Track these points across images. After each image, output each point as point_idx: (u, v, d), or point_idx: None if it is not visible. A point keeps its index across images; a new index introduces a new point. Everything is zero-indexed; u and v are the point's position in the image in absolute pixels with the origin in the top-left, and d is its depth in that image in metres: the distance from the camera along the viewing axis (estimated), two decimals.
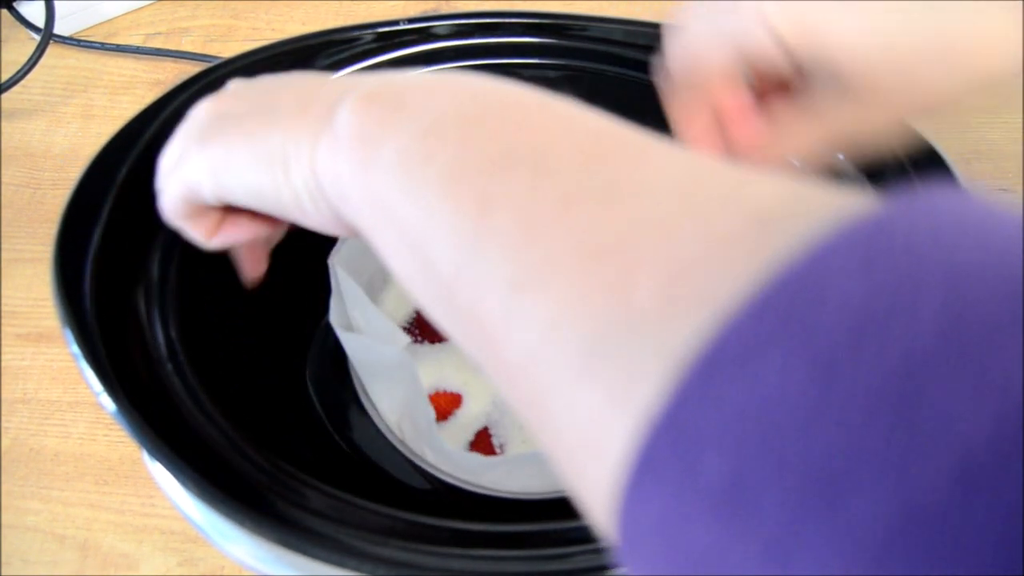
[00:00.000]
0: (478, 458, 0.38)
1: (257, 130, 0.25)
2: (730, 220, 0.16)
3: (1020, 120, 0.59)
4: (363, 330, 0.39)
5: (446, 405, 0.43)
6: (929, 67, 0.27)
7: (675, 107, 0.33)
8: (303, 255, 0.42)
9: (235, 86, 0.30)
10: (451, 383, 0.44)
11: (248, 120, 0.26)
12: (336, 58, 0.45)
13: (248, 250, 0.34)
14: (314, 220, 0.25)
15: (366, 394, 0.41)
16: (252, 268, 0.34)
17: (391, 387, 0.40)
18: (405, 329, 0.47)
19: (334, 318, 0.39)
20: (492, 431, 0.42)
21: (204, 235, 0.29)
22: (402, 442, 0.40)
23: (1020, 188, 0.57)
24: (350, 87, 0.24)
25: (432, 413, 0.37)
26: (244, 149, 0.25)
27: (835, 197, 0.15)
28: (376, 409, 0.41)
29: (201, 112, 0.29)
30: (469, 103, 0.21)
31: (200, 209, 0.29)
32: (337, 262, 0.40)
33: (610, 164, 0.19)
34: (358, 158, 0.22)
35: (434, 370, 0.44)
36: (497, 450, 0.42)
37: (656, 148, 0.20)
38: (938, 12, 0.27)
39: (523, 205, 0.18)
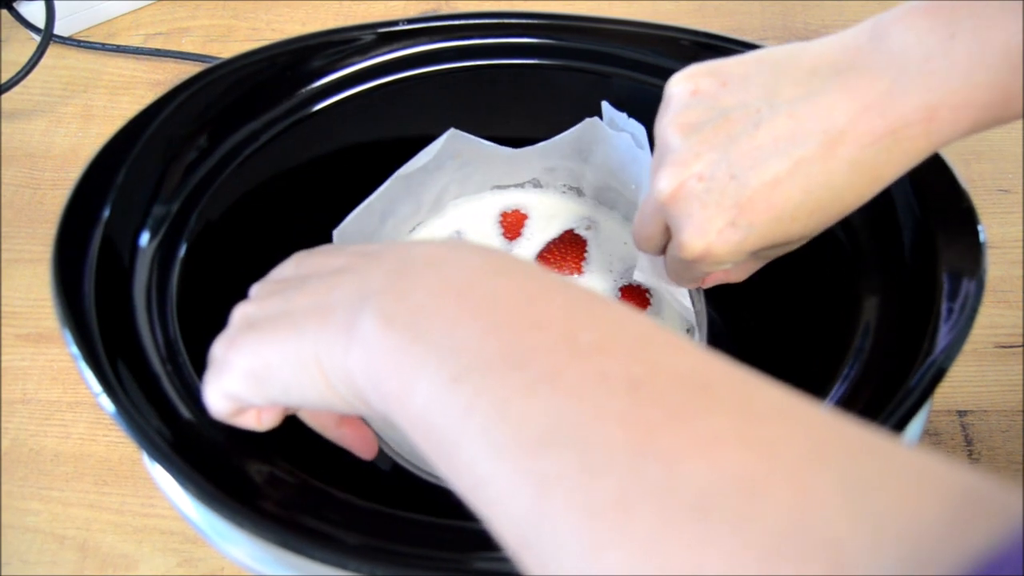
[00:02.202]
0: None
1: (287, 339, 0.26)
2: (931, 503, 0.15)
3: (1020, 121, 0.59)
4: None
5: None
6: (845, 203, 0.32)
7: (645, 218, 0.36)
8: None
9: (256, 290, 0.30)
10: None
11: (274, 329, 0.27)
12: (336, 58, 0.45)
13: (341, 427, 0.34)
14: (361, 411, 0.27)
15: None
16: (359, 445, 0.34)
17: None
18: None
19: None
20: None
21: (256, 423, 0.30)
22: (399, 455, 0.39)
23: (1020, 189, 0.57)
24: (359, 293, 0.24)
25: None
26: (279, 358, 0.26)
27: (1011, 496, 0.15)
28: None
29: (235, 320, 0.30)
30: (494, 339, 0.21)
31: (244, 407, 0.30)
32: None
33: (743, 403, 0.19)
34: (396, 388, 0.22)
35: None
36: None
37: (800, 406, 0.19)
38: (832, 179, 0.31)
39: (581, 500, 0.17)
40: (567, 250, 0.48)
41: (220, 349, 0.29)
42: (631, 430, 0.18)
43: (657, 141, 0.34)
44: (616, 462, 0.17)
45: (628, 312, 0.22)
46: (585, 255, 0.48)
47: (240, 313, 0.29)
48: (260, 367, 0.27)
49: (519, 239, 0.49)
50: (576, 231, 0.49)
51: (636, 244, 0.38)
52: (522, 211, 0.50)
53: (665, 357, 0.20)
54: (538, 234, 0.49)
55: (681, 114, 0.32)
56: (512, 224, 0.49)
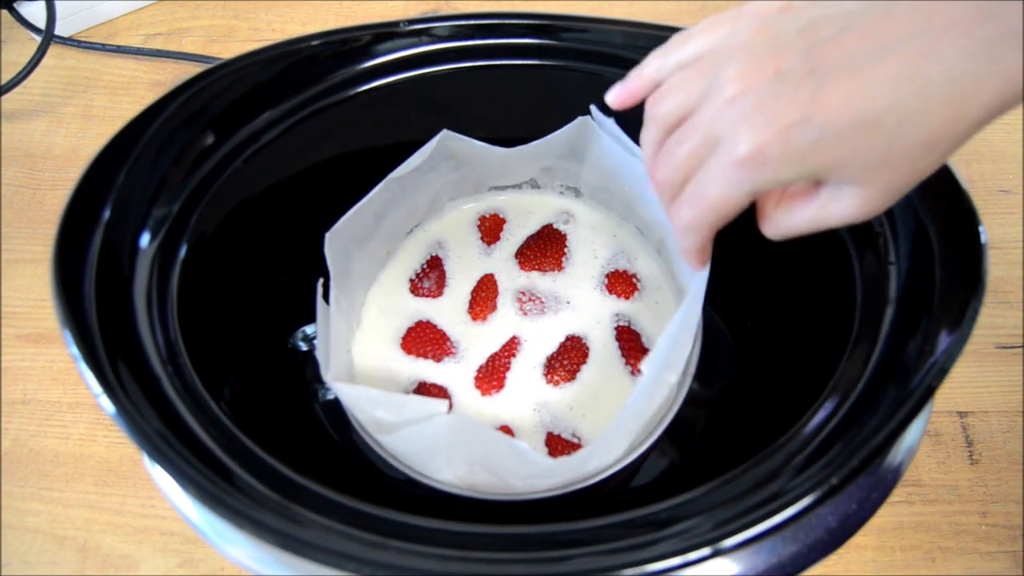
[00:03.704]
0: (579, 454, 0.37)
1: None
2: None
3: (1020, 121, 0.59)
4: (397, 424, 0.37)
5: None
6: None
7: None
8: (303, 256, 0.42)
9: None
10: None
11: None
12: (336, 59, 0.45)
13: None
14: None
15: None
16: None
17: (449, 456, 0.37)
18: (412, 281, 0.47)
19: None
20: (556, 431, 0.42)
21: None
22: (403, 463, 0.39)
23: (1020, 189, 0.57)
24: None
25: (522, 443, 0.35)
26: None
27: None
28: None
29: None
30: None
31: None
32: (334, 287, 0.40)
33: None
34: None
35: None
36: (575, 440, 0.42)
37: None
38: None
39: None
40: (546, 246, 0.48)
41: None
42: None
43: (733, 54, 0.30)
44: None
45: None
46: (565, 250, 0.48)
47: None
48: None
49: (498, 243, 0.49)
50: (555, 226, 0.49)
51: (653, 173, 0.33)
52: (500, 214, 0.50)
53: None
54: (518, 231, 0.49)
55: (766, 26, 0.30)
56: (490, 228, 0.49)
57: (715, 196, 0.30)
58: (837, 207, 0.30)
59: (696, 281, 0.37)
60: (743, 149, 0.28)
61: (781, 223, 0.32)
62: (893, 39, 0.27)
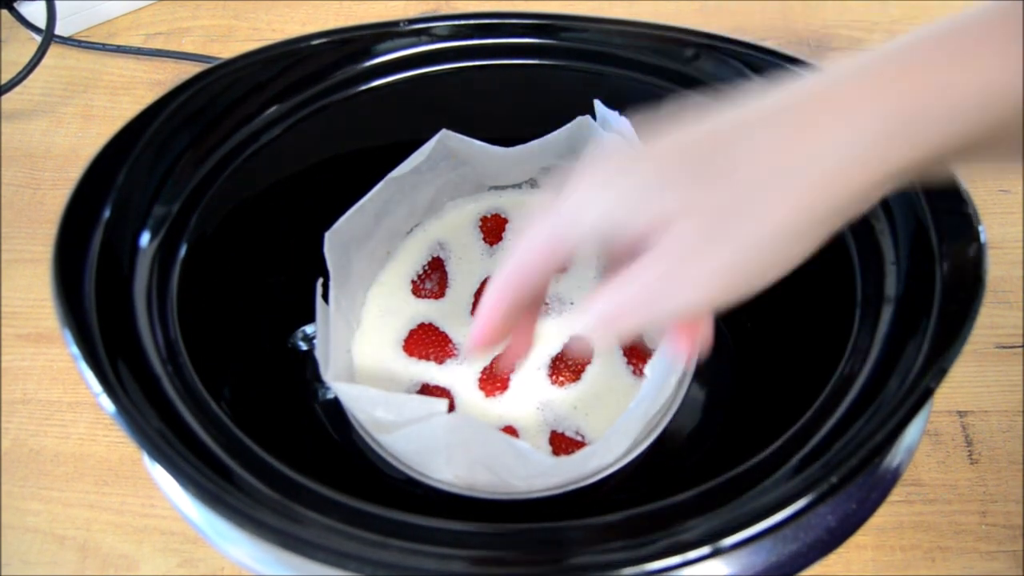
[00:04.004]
0: (580, 453, 0.37)
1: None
2: None
3: None
4: (398, 424, 0.37)
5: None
6: None
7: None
8: (303, 256, 0.42)
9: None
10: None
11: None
12: (336, 59, 0.45)
13: None
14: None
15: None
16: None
17: (449, 456, 0.37)
18: (414, 282, 0.47)
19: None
20: (559, 429, 0.42)
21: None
22: (409, 467, 0.39)
23: (1020, 189, 0.57)
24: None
25: (523, 443, 0.35)
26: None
27: None
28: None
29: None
30: None
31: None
32: (334, 298, 0.40)
33: None
34: None
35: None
36: (578, 438, 0.42)
37: None
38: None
39: None
40: None
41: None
42: None
43: None
44: None
45: None
46: None
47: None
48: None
49: (500, 244, 0.49)
50: None
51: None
52: (502, 214, 0.50)
53: None
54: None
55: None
56: (492, 228, 0.49)
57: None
58: None
59: None
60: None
61: None
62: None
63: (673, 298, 0.28)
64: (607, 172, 0.28)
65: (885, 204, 0.39)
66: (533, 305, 0.35)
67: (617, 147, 0.29)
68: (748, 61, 0.43)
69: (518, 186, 0.50)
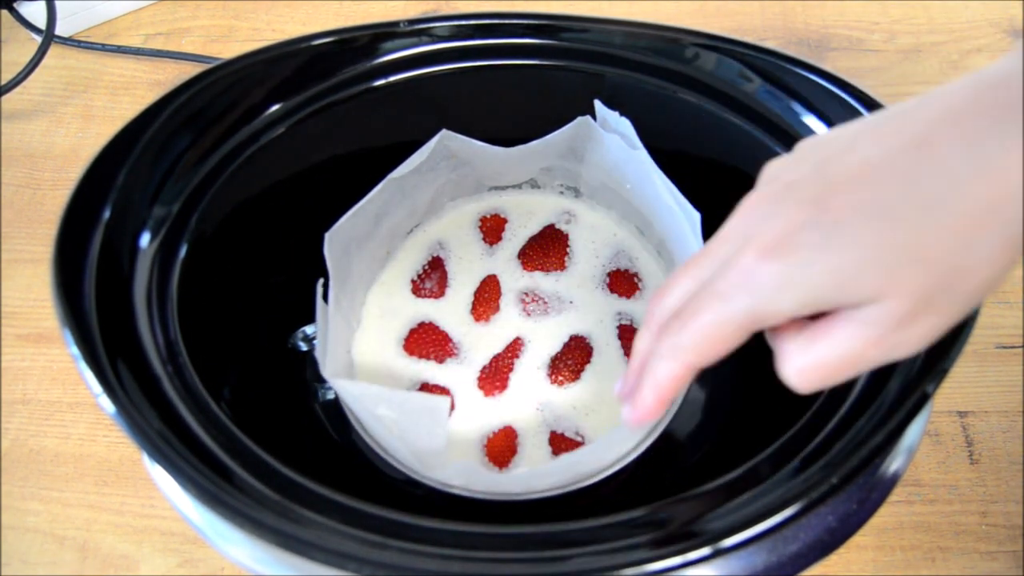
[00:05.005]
0: (576, 452, 0.37)
1: None
2: None
3: None
4: (400, 421, 0.37)
5: (506, 440, 0.42)
6: None
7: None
8: (303, 256, 0.42)
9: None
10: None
11: None
12: (336, 59, 0.45)
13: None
14: None
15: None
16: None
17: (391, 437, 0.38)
18: (414, 282, 0.47)
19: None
20: (559, 429, 0.42)
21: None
22: (410, 469, 0.39)
23: None
24: None
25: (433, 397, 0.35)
26: None
27: None
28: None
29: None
30: None
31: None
32: (333, 299, 0.40)
33: None
34: None
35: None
36: (578, 438, 0.42)
37: None
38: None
39: None
40: (549, 246, 0.48)
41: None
42: None
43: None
44: None
45: None
46: (568, 250, 0.48)
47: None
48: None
49: (500, 243, 0.49)
50: (556, 226, 0.49)
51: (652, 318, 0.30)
52: (501, 214, 0.50)
53: None
54: (520, 231, 0.49)
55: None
56: (492, 228, 0.49)
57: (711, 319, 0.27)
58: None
59: None
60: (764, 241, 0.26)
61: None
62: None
63: (878, 361, 0.26)
64: (793, 224, 0.25)
65: None
66: None
67: (778, 172, 0.27)
68: (748, 61, 0.43)
69: (518, 186, 0.50)
